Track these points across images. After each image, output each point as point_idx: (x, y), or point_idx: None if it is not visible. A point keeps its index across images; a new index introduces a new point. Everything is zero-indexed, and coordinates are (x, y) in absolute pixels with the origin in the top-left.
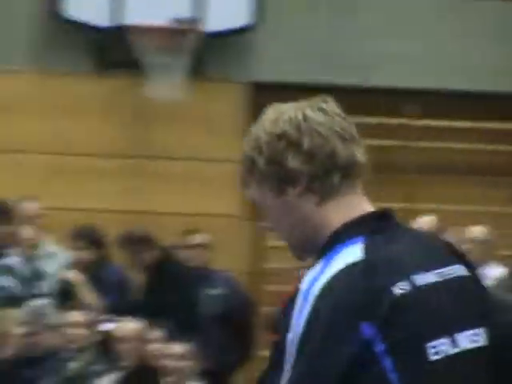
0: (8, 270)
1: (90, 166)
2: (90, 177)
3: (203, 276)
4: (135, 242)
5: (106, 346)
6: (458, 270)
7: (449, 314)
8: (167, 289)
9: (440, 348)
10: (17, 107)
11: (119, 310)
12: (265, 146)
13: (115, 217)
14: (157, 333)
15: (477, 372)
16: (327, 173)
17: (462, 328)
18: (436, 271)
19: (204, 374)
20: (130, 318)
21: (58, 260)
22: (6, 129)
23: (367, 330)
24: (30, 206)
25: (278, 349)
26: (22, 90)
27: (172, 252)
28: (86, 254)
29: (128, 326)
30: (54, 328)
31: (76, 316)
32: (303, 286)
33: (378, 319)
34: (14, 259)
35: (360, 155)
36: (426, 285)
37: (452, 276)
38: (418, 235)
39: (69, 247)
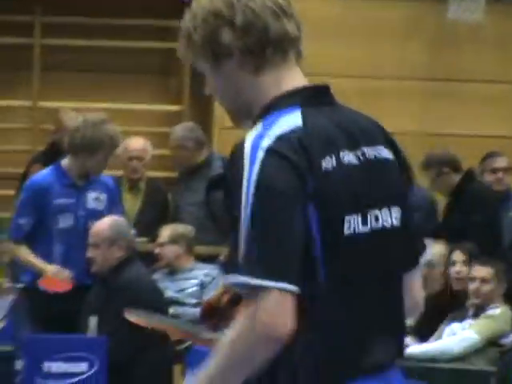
0: None
1: (392, 89)
2: (392, 100)
3: (505, 199)
4: (439, 163)
5: None
6: (382, 152)
7: (365, 193)
8: (470, 210)
9: (353, 224)
10: (325, 31)
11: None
12: (201, 23)
13: (417, 139)
14: (460, 255)
15: (385, 249)
16: (260, 47)
17: (375, 207)
18: (361, 150)
19: (508, 297)
20: (433, 240)
21: None
22: (314, 53)
23: (309, 183)
24: None
25: (231, 205)
26: (330, 14)
27: (474, 174)
28: None
29: (433, 249)
30: None
31: None
32: (247, 145)
33: (310, 185)
34: None
35: (292, 29)
36: (349, 163)
37: (375, 157)
38: (351, 113)
39: None
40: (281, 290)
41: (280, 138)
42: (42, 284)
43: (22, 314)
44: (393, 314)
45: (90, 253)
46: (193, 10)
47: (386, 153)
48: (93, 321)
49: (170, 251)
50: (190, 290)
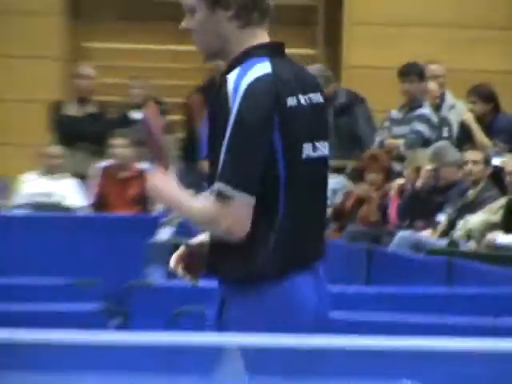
0: (423, 119)
1: (482, 36)
2: (482, 45)
3: None
4: None
5: (495, 177)
6: (318, 97)
7: (313, 127)
8: None
9: (307, 150)
10: None
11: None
12: None
13: (504, 77)
14: None
15: (321, 170)
16: (252, 9)
17: (319, 138)
18: (308, 95)
19: None
20: None
21: (457, 110)
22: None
23: (276, 118)
24: (435, 67)
25: (213, 125)
26: None
27: None
28: (479, 107)
29: None
30: (455, 164)
31: (473, 154)
32: (230, 83)
33: (280, 115)
34: (426, 110)
35: (271, 2)
36: (303, 103)
37: (315, 101)
38: (298, 65)
39: (466, 101)
40: (243, 200)
41: (256, 80)
42: None
43: None
44: (322, 218)
45: None
46: None
47: (321, 98)
48: None
49: None
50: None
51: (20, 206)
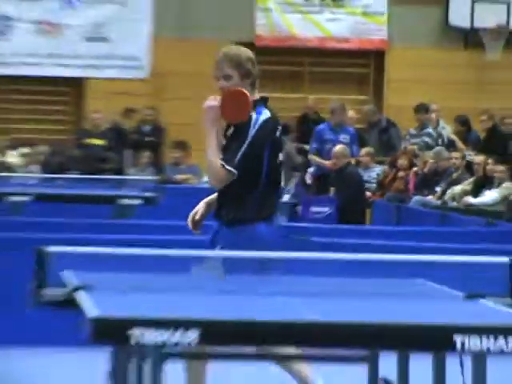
0: (428, 134)
1: (462, 88)
2: (462, 93)
3: None
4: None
5: (468, 167)
6: (280, 128)
7: (280, 146)
8: None
9: (278, 158)
10: None
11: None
12: (244, 59)
13: (475, 111)
14: None
15: (280, 168)
16: (256, 79)
17: (281, 151)
18: (279, 127)
19: None
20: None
21: (447, 130)
22: None
23: (268, 145)
24: (434, 106)
25: (237, 132)
26: None
27: None
28: (459, 128)
29: (478, 158)
30: (446, 160)
31: (456, 154)
32: (254, 119)
33: (271, 141)
34: (430, 130)
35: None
36: (279, 134)
37: (280, 131)
38: (271, 109)
39: (452, 125)
40: (231, 174)
41: (264, 121)
42: None
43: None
44: (279, 191)
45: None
46: (241, 52)
47: (280, 128)
48: (332, 189)
49: (365, 159)
50: (374, 176)
51: (206, 182)
